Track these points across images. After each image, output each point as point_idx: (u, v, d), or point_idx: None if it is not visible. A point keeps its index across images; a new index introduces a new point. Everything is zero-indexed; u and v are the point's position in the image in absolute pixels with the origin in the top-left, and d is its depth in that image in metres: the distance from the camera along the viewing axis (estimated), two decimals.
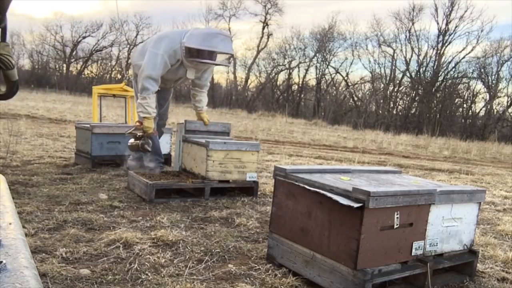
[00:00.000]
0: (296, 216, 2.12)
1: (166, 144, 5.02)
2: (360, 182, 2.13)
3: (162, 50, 3.70)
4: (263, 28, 32.32)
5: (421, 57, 26.76)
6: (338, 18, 39.24)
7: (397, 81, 27.86)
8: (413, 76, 27.23)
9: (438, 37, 26.05)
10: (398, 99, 28.26)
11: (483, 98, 25.88)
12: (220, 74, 34.60)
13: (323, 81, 30.79)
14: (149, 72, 3.70)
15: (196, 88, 4.23)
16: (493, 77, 25.22)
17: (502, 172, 7.89)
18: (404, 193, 1.88)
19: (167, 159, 4.89)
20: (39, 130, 8.12)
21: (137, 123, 3.92)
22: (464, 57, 25.68)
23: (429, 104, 25.41)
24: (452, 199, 2.10)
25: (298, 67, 31.28)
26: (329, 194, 1.89)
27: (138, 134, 3.88)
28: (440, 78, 26.20)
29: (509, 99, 24.77)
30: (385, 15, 48.54)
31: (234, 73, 32.91)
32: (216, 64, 4.01)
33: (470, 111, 25.91)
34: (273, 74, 32.27)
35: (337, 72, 30.17)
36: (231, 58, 4.08)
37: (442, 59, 26.17)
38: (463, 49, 25.75)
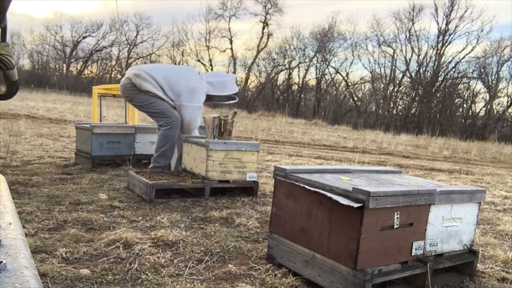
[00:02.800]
0: (296, 216, 2.12)
1: None
2: (360, 182, 2.13)
3: (200, 102, 4.35)
4: (263, 28, 32.36)
5: (421, 57, 26.79)
6: (338, 18, 39.21)
7: (397, 81, 27.87)
8: (413, 76, 27.25)
9: (438, 37, 26.09)
10: (398, 99, 28.28)
11: (483, 98, 25.91)
12: None
13: (323, 81, 30.81)
14: (196, 124, 4.35)
15: None
16: (493, 77, 25.24)
17: (502, 172, 7.89)
18: (404, 193, 1.88)
19: None
20: (39, 130, 8.12)
21: None
22: (464, 57, 25.71)
23: (429, 104, 25.42)
24: (452, 199, 2.10)
25: (298, 67, 31.30)
26: (329, 194, 1.89)
27: None
28: (440, 78, 26.21)
29: (509, 99, 24.79)
30: (385, 15, 48.46)
31: (234, 73, 32.92)
32: (232, 103, 4.87)
33: (470, 111, 25.93)
34: (273, 74, 32.30)
35: (337, 72, 30.19)
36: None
37: (442, 59, 26.19)
38: (463, 49, 25.78)
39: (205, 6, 47.23)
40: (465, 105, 26.19)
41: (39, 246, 2.21)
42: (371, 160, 8.16)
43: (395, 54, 27.57)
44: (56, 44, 35.10)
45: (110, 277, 1.94)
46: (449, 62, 26.11)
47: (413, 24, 26.93)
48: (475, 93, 25.81)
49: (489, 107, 24.90)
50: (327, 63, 30.16)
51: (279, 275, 2.11)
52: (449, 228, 2.14)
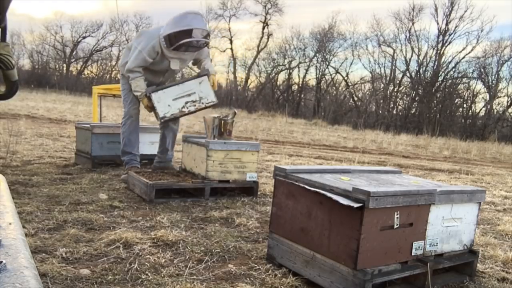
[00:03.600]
0: (296, 216, 2.12)
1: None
2: (360, 182, 2.13)
3: (141, 46, 3.93)
4: (263, 28, 32.33)
5: (421, 57, 26.76)
6: (338, 18, 39.19)
7: (397, 81, 27.84)
8: (413, 76, 27.23)
9: (438, 37, 26.05)
10: (398, 99, 28.25)
11: (483, 98, 25.89)
12: (220, 74, 34.62)
13: (323, 81, 30.77)
14: (129, 65, 3.98)
15: (195, 62, 4.37)
16: (493, 77, 25.21)
17: (502, 172, 7.89)
18: (404, 193, 1.88)
19: None
20: (39, 130, 8.12)
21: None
22: (464, 57, 25.67)
23: (429, 104, 25.41)
24: (452, 199, 2.10)
25: (298, 67, 31.26)
26: (329, 194, 1.89)
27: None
28: (440, 78, 26.19)
29: (509, 99, 24.77)
30: (385, 15, 48.48)
31: (234, 73, 32.92)
32: (196, 41, 3.88)
33: (470, 111, 25.90)
34: (273, 74, 32.27)
35: (337, 72, 30.16)
36: (208, 36, 4.02)
37: (442, 59, 26.16)
38: (463, 49, 25.75)
39: (205, 6, 47.11)
40: (465, 105, 26.18)
41: (39, 246, 2.21)
42: (371, 160, 8.16)
43: (395, 54, 27.57)
44: (56, 44, 35.11)
45: (110, 277, 1.94)
46: (449, 62, 26.11)
47: (413, 24, 26.92)
48: (475, 93, 25.81)
49: (489, 107, 24.89)
50: (327, 63, 30.16)
51: (279, 275, 2.11)
52: (449, 228, 2.14)
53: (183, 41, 3.78)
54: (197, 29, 3.81)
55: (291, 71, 31.47)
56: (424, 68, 26.72)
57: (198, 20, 3.81)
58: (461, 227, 2.20)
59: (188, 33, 3.78)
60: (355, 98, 29.92)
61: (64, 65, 35.48)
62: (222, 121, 3.84)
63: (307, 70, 30.84)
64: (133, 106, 4.23)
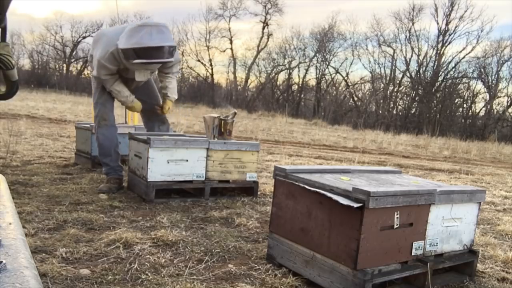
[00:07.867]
0: (296, 216, 2.12)
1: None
2: (360, 182, 2.13)
3: (98, 55, 3.41)
4: (263, 28, 32.32)
5: (421, 57, 26.76)
6: (338, 18, 39.09)
7: (397, 81, 27.84)
8: (413, 76, 27.23)
9: (438, 37, 26.06)
10: (398, 99, 28.25)
11: (483, 98, 25.90)
12: (220, 74, 34.63)
13: (323, 81, 30.77)
14: (97, 74, 3.59)
15: (162, 74, 3.80)
16: (493, 77, 25.22)
17: (502, 172, 7.89)
18: (404, 193, 1.88)
19: None
20: (39, 130, 8.12)
21: None
22: (464, 57, 25.68)
23: (429, 104, 25.41)
24: (452, 199, 2.10)
25: (298, 67, 31.26)
26: (329, 194, 1.89)
27: None
28: (440, 78, 26.19)
29: (509, 99, 24.77)
30: (385, 15, 48.47)
31: (234, 73, 32.92)
32: (158, 62, 3.39)
33: (470, 111, 25.91)
34: (273, 74, 32.27)
35: (337, 72, 30.15)
36: (174, 51, 3.38)
37: (442, 59, 26.17)
38: (463, 49, 25.75)
39: (205, 6, 47.22)
40: (465, 105, 26.18)
41: (39, 246, 2.21)
42: (371, 160, 8.16)
43: (395, 54, 27.57)
44: (56, 44, 35.13)
45: (110, 277, 1.94)
46: (449, 62, 26.11)
47: (413, 24, 26.92)
48: (475, 93, 25.82)
49: (489, 107, 24.90)
50: (327, 63, 30.15)
51: (279, 275, 2.11)
52: (449, 228, 2.14)
53: (146, 60, 3.26)
54: (163, 47, 3.27)
55: (291, 71, 31.48)
56: (424, 68, 26.73)
57: (153, 36, 3.21)
58: (461, 227, 2.20)
59: (154, 50, 3.23)
60: (355, 98, 29.93)
61: (64, 65, 35.50)
62: (222, 121, 3.84)
63: (307, 70, 30.86)
64: (103, 108, 3.75)
